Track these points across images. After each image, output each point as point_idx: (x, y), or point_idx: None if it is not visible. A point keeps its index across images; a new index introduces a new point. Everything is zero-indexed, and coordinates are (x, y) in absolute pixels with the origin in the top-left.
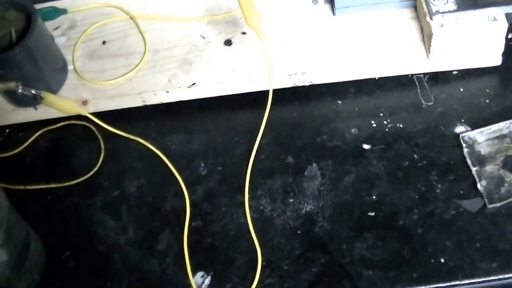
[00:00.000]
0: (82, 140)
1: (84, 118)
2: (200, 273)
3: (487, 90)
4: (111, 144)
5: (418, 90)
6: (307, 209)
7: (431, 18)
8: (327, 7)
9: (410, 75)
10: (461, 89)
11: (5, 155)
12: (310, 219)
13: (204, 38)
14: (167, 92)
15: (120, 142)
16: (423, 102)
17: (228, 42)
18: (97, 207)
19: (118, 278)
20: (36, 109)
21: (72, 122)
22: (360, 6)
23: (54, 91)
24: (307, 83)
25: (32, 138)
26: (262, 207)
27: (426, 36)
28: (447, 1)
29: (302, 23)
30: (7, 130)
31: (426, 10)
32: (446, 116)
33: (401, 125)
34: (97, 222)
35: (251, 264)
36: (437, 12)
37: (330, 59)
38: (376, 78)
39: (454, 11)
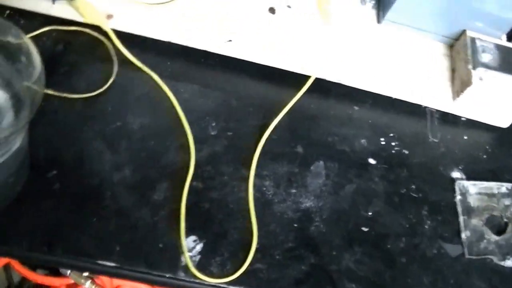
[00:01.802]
0: (93, 54)
1: (101, 31)
2: (192, 237)
3: (487, 147)
4: (123, 70)
5: (428, 124)
6: (307, 204)
7: (473, 68)
8: (373, 12)
9: (424, 106)
10: (465, 137)
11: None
12: (308, 216)
13: None
14: (200, 38)
15: (132, 71)
16: (430, 137)
17: (272, 10)
18: (95, 132)
19: (105, 217)
20: (54, 3)
21: (87, 31)
22: (407, 26)
23: None
24: (334, 80)
25: (37, 32)
26: (264, 188)
27: (459, 80)
28: (492, 58)
29: (347, 20)
30: (7, 11)
31: (470, 57)
32: (446, 158)
33: (406, 152)
34: (92, 149)
35: (245, 243)
36: (483, 65)
37: (361, 64)
38: (393, 98)
39: (495, 69)
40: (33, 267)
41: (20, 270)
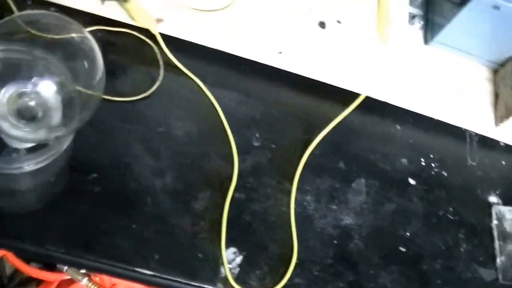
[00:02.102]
0: (138, 57)
1: (147, 34)
2: (232, 249)
3: None
4: (168, 75)
5: (467, 147)
6: (347, 221)
7: None
8: (420, 33)
9: (464, 129)
10: (503, 162)
11: (46, 35)
12: (348, 233)
13: (299, 9)
14: (249, 48)
15: (177, 76)
16: (469, 160)
17: (322, 24)
18: (137, 136)
19: (145, 223)
20: (103, 3)
21: (134, 33)
22: (453, 49)
23: None
24: (380, 99)
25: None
26: (306, 203)
27: (503, 105)
28: None
29: (394, 40)
30: (52, 9)
31: None
32: (484, 182)
33: (445, 174)
34: (134, 153)
35: (284, 257)
36: None
37: (405, 84)
38: (435, 118)
39: None
40: (27, 260)
41: (14, 262)
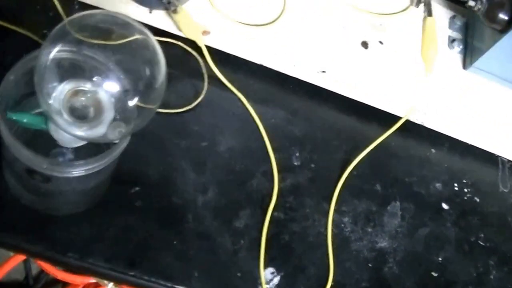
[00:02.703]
0: (183, 69)
1: (193, 46)
2: (271, 269)
3: None
4: (212, 88)
5: (500, 173)
6: (382, 245)
7: None
8: (460, 57)
9: (497, 155)
10: None
11: (93, 41)
12: (382, 257)
13: (343, 28)
14: (293, 65)
15: (221, 90)
16: (501, 187)
17: (364, 44)
18: (181, 150)
19: (187, 239)
20: (151, 12)
21: (179, 44)
22: (492, 75)
23: (180, 3)
24: (419, 122)
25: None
26: (343, 225)
27: None
28: None
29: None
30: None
31: None
32: None
33: (478, 200)
34: (177, 167)
35: (321, 279)
36: None
37: (442, 108)
38: (469, 144)
39: None
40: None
41: (41, 263)
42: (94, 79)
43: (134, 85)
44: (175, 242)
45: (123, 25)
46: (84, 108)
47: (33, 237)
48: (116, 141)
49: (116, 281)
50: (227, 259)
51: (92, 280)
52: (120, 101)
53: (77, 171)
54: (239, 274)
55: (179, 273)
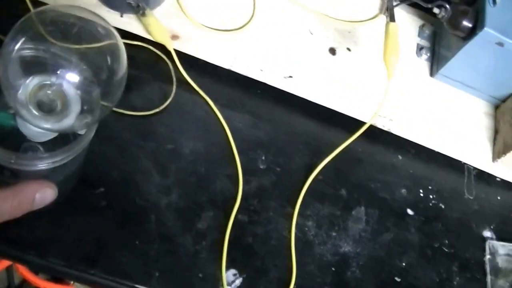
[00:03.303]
0: (152, 72)
1: (163, 50)
2: (232, 271)
3: None
4: (180, 92)
5: (465, 180)
6: (346, 249)
7: None
8: (427, 65)
9: (463, 162)
10: (498, 197)
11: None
12: (345, 261)
13: (311, 34)
14: (261, 70)
15: (189, 94)
16: (466, 194)
17: (332, 51)
18: (146, 152)
19: (148, 240)
20: (122, 16)
21: (149, 47)
22: (457, 82)
23: (150, 8)
24: (385, 128)
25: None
26: (307, 229)
27: (502, 141)
28: None
29: (401, 71)
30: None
31: None
32: (479, 216)
33: (442, 206)
34: (142, 170)
35: (284, 282)
36: None
37: (409, 115)
38: (435, 151)
39: None
40: (36, 271)
41: (24, 272)
42: (59, 72)
43: (97, 77)
44: (136, 242)
45: (87, 19)
46: (51, 101)
47: None
48: (82, 133)
49: (76, 280)
50: (188, 260)
51: None
52: (85, 93)
53: (44, 164)
54: (200, 275)
55: (140, 273)
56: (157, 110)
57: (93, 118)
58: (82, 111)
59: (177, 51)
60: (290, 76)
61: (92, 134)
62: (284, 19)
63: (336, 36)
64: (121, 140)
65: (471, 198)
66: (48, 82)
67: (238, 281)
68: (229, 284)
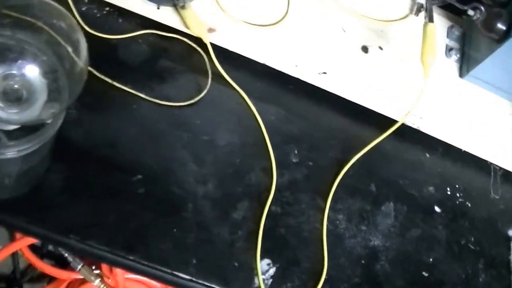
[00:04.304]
0: (188, 64)
1: (198, 42)
2: (267, 260)
3: None
4: (215, 84)
5: (491, 180)
6: (375, 243)
7: None
8: (456, 65)
9: (490, 162)
10: None
11: (99, 34)
12: (375, 254)
13: (344, 31)
14: (296, 66)
15: (224, 86)
16: (492, 193)
17: (364, 49)
18: (183, 142)
19: (185, 228)
20: (158, 8)
21: (185, 40)
22: (487, 84)
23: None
24: (415, 126)
25: (135, 33)
26: (338, 222)
27: None
28: None
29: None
30: (107, 8)
31: None
32: (505, 215)
33: (469, 204)
34: (179, 159)
35: (315, 273)
36: None
37: (438, 114)
38: (462, 150)
39: None
40: (41, 256)
41: (29, 257)
42: (21, 61)
43: (61, 65)
44: (174, 230)
45: (45, 7)
46: (16, 91)
47: (35, 218)
48: (49, 121)
49: (115, 265)
50: (224, 249)
51: (80, 276)
52: (51, 81)
53: (11, 152)
54: (236, 264)
55: (177, 260)
56: (192, 101)
57: (60, 108)
58: (48, 101)
59: (212, 45)
60: (324, 73)
61: (59, 122)
62: (318, 15)
63: (368, 34)
64: (157, 129)
65: (497, 197)
66: (13, 72)
67: (271, 271)
68: (263, 273)
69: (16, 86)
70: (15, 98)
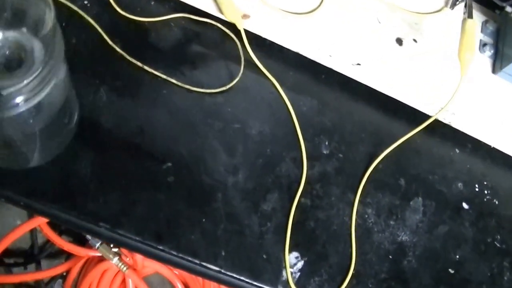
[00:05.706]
0: (220, 50)
1: (232, 28)
2: (295, 253)
3: None
4: (247, 72)
5: None
6: (403, 238)
7: None
8: (490, 61)
9: None
10: None
11: (131, 16)
12: (403, 250)
13: (379, 23)
14: (330, 56)
15: (256, 74)
16: None
17: (399, 41)
18: (214, 131)
19: (215, 219)
20: None
21: (218, 25)
22: None
23: None
24: (446, 121)
25: (168, 17)
26: (367, 216)
27: None
28: None
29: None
30: None
31: None
32: None
33: (496, 202)
34: (210, 148)
35: (342, 267)
36: None
37: (469, 110)
38: (492, 147)
39: None
40: (59, 233)
41: (48, 233)
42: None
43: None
44: (203, 220)
45: None
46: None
47: (64, 206)
48: None
49: (145, 254)
50: (254, 241)
51: (98, 254)
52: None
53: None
54: (264, 256)
55: (207, 251)
56: (224, 88)
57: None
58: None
59: (246, 31)
60: (358, 64)
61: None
62: (353, 6)
63: (403, 26)
64: (188, 116)
65: None
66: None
67: (300, 264)
68: (291, 266)
69: (7, 52)
70: (17, 63)
